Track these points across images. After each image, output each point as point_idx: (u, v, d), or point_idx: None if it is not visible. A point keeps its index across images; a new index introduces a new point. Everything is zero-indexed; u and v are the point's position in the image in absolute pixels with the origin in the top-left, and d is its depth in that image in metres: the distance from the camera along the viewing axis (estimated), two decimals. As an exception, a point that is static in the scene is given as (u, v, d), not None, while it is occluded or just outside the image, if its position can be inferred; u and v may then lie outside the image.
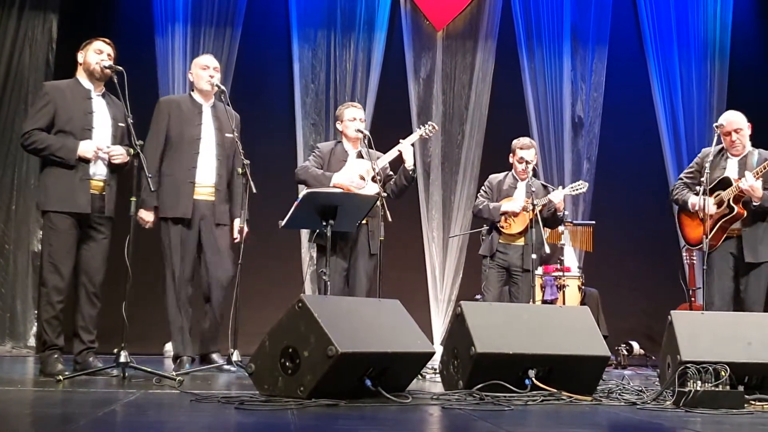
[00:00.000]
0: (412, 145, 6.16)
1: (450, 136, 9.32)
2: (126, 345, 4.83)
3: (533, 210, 6.35)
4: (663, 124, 9.45)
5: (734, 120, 5.98)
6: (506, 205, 6.58)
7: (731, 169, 5.94)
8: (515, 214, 6.53)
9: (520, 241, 6.59)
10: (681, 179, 6.26)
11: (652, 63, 9.55)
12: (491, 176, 6.91)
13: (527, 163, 6.59)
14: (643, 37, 9.62)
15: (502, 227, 6.60)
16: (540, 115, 9.37)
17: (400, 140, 6.12)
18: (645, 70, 9.57)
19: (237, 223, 5.82)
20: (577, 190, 6.86)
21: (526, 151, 6.62)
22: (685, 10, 9.65)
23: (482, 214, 6.74)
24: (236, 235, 5.83)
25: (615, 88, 9.55)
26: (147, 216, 5.72)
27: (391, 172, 6.26)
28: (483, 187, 6.88)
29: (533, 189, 6.49)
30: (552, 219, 6.67)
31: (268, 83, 9.20)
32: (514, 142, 6.73)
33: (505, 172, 6.82)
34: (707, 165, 5.94)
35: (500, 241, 6.62)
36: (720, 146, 6.05)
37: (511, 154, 6.72)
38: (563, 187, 6.86)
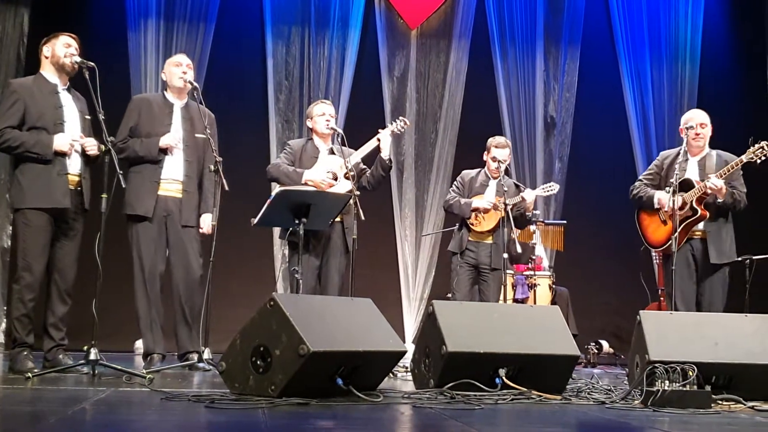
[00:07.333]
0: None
1: (423, 134, 9.34)
2: (96, 342, 4.79)
3: (504, 208, 6.37)
4: (634, 124, 9.54)
5: (695, 116, 6.06)
6: (477, 202, 6.57)
7: (691, 170, 5.95)
8: (485, 211, 6.54)
9: (489, 240, 6.59)
10: (641, 180, 6.23)
11: (624, 64, 9.65)
12: (464, 172, 6.89)
13: (500, 162, 6.61)
14: (615, 38, 9.70)
15: (472, 224, 6.61)
16: (513, 115, 9.42)
17: (380, 130, 6.13)
18: (617, 70, 9.66)
19: (205, 217, 5.80)
20: (548, 191, 6.92)
21: (500, 150, 6.62)
22: (656, 12, 9.74)
23: (452, 210, 6.70)
24: (203, 227, 5.81)
25: (587, 88, 9.62)
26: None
27: (364, 166, 6.25)
28: (455, 183, 6.87)
29: (505, 188, 6.51)
30: (520, 219, 6.68)
31: (242, 80, 9.17)
32: (490, 140, 6.72)
33: (478, 169, 6.82)
34: (666, 165, 6.02)
35: (470, 238, 6.63)
36: (679, 149, 6.05)
37: (485, 152, 6.72)
38: (534, 188, 6.91)
